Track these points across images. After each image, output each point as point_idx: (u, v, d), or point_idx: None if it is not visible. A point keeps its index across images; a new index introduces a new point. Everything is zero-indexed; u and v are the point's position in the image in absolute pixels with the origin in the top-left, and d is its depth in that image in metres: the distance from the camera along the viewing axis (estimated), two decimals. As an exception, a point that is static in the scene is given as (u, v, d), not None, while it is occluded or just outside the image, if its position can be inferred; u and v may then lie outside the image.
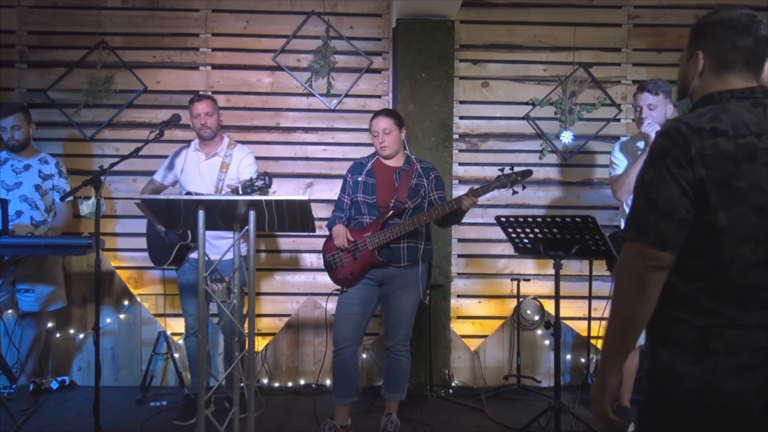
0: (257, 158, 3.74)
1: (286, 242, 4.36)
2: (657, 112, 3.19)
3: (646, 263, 1.33)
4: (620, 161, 3.35)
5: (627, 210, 3.28)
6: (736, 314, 1.30)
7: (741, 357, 1.28)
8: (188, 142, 3.69)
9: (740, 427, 1.29)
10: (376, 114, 3.23)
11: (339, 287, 3.24)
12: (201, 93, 3.87)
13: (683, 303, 1.34)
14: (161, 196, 2.54)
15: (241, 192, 2.73)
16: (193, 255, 3.45)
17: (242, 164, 3.53)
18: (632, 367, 3.35)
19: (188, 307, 3.56)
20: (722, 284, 1.31)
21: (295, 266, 4.37)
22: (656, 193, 1.32)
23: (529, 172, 3.03)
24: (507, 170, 3.02)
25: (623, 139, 3.45)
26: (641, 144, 3.22)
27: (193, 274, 3.44)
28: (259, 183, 2.70)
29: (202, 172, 3.52)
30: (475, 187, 3.02)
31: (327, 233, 3.29)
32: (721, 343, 1.29)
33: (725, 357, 1.29)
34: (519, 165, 4.18)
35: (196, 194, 3.38)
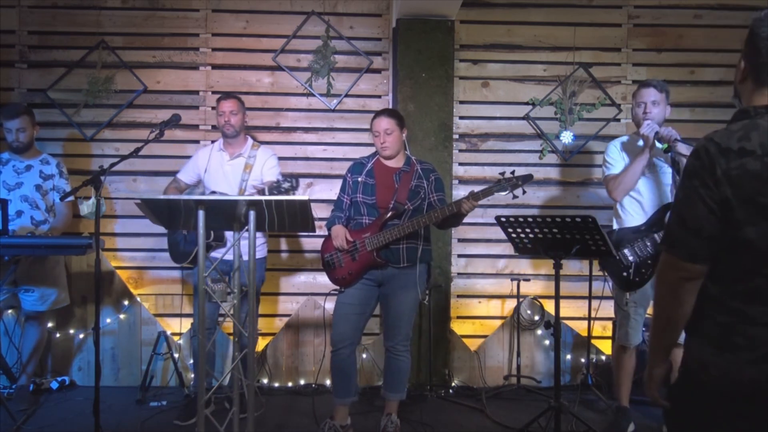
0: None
1: (286, 242, 4.36)
2: (659, 109, 3.19)
3: (679, 274, 1.46)
4: (616, 161, 3.33)
5: (621, 211, 3.31)
6: (758, 314, 1.39)
7: (760, 351, 1.38)
8: (198, 141, 3.69)
9: (756, 411, 1.38)
10: (378, 114, 3.22)
11: (337, 287, 3.24)
12: (226, 92, 3.87)
13: (712, 302, 1.46)
14: (161, 196, 2.53)
15: (267, 194, 2.74)
16: (214, 254, 3.46)
17: (266, 166, 3.57)
18: (630, 367, 3.36)
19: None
20: (750, 289, 1.40)
21: (295, 266, 4.37)
22: (686, 211, 1.44)
23: (530, 177, 3.02)
24: (508, 174, 3.01)
25: (622, 138, 3.44)
26: (641, 143, 3.21)
27: (212, 273, 3.45)
28: (286, 185, 2.72)
29: (226, 173, 3.57)
30: (476, 190, 2.99)
31: (327, 233, 3.29)
32: (742, 338, 1.40)
33: (745, 350, 1.39)
34: (519, 165, 4.26)
35: (221, 194, 3.43)
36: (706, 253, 1.43)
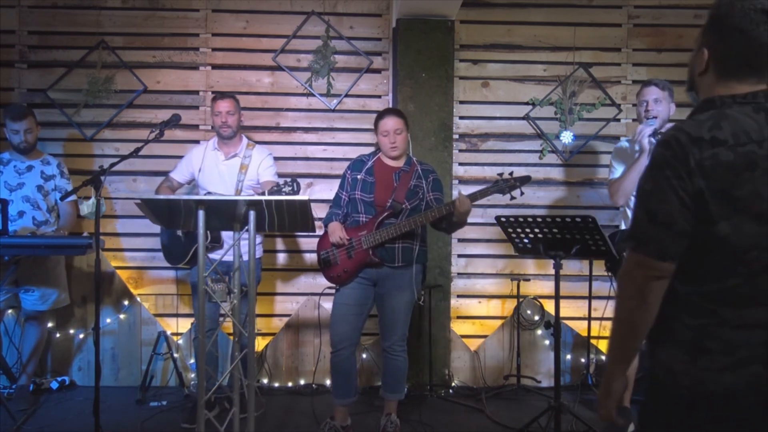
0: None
1: (286, 242, 4.36)
2: (662, 106, 3.15)
3: (647, 273, 1.34)
4: (618, 164, 3.33)
5: (628, 211, 3.30)
6: (732, 315, 1.31)
7: (736, 355, 1.29)
8: (198, 141, 3.68)
9: (736, 422, 1.30)
10: (385, 114, 3.21)
11: (333, 285, 3.24)
12: (221, 92, 3.84)
13: (681, 304, 1.35)
14: (161, 196, 2.53)
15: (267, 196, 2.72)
16: (212, 255, 3.46)
17: (262, 166, 3.55)
18: (632, 368, 3.35)
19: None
20: (722, 289, 1.31)
21: (295, 266, 4.37)
22: (656, 204, 1.32)
23: (528, 178, 3.03)
24: (506, 175, 3.01)
25: (623, 140, 3.44)
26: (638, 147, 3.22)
27: (211, 273, 3.44)
28: (287, 189, 2.69)
29: (222, 173, 3.54)
30: (473, 191, 3.01)
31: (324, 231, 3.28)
32: (716, 342, 1.31)
33: (720, 355, 1.30)
34: (519, 165, 4.26)
35: (218, 195, 3.41)
36: (676, 250, 1.32)
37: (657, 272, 1.33)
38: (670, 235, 1.31)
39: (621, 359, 1.45)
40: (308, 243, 4.31)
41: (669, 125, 3.08)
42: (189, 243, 3.42)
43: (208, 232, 3.38)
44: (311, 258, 4.32)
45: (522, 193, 3.00)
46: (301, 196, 2.36)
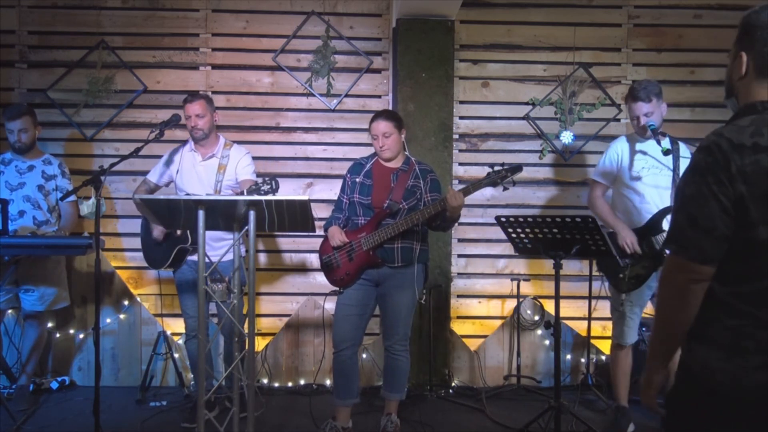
0: (257, 158, 3.73)
1: (286, 242, 4.36)
2: (654, 116, 3.18)
3: (688, 276, 1.39)
4: (604, 165, 3.42)
5: (618, 213, 3.33)
6: None
7: None
8: (185, 141, 3.67)
9: (766, 418, 1.34)
10: (376, 116, 3.21)
11: (336, 288, 3.24)
12: (198, 92, 3.82)
13: (719, 305, 1.40)
14: (162, 196, 2.53)
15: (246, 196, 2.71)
16: (192, 257, 3.45)
17: (239, 165, 3.48)
18: (627, 366, 3.38)
19: (188, 308, 3.54)
20: (760, 290, 1.35)
21: (295, 266, 4.37)
22: (697, 209, 1.36)
23: (519, 168, 3.03)
24: (497, 167, 3.02)
25: (619, 139, 3.44)
26: (643, 144, 3.27)
27: (192, 274, 3.43)
28: (265, 188, 2.67)
29: (199, 173, 3.49)
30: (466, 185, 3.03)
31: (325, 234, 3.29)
32: (752, 341, 1.35)
33: (755, 354, 1.35)
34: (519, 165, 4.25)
35: (196, 196, 3.38)
36: (717, 254, 1.36)
37: (697, 275, 1.38)
38: (711, 240, 1.35)
39: (662, 355, 1.51)
40: (308, 243, 4.31)
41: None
42: (169, 246, 3.40)
43: (188, 233, 3.36)
44: (311, 258, 4.32)
45: (514, 183, 3.01)
46: (301, 196, 2.36)
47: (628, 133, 3.53)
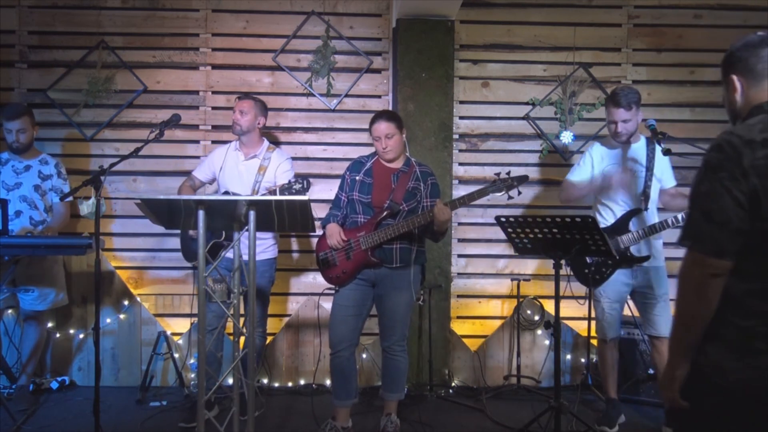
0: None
1: (286, 242, 4.36)
2: (631, 124, 3.26)
3: (705, 271, 1.41)
4: (580, 167, 3.48)
5: (596, 214, 3.43)
6: None
7: None
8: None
9: None
10: (377, 117, 3.19)
11: (332, 286, 3.24)
12: (249, 94, 3.87)
13: (733, 306, 1.42)
14: (161, 197, 2.53)
15: (278, 194, 2.75)
16: (227, 254, 3.45)
17: (279, 169, 3.57)
18: (612, 360, 3.48)
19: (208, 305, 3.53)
20: None
21: (294, 266, 4.37)
22: (711, 204, 1.39)
23: (525, 178, 3.05)
24: (503, 174, 3.02)
25: (596, 144, 3.52)
26: (614, 150, 3.40)
27: (222, 272, 3.44)
28: (297, 186, 2.73)
29: (241, 172, 3.58)
30: (471, 190, 3.03)
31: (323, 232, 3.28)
32: (764, 342, 1.37)
33: (767, 355, 1.37)
34: (519, 165, 4.26)
35: (234, 194, 3.47)
36: (734, 248, 1.38)
37: (714, 269, 1.40)
38: (726, 233, 1.37)
39: (683, 351, 1.52)
40: (308, 243, 4.32)
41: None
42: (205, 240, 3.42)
43: (224, 231, 3.38)
44: (311, 258, 4.32)
45: (519, 193, 3.01)
46: (301, 196, 2.37)
47: (601, 139, 3.62)
